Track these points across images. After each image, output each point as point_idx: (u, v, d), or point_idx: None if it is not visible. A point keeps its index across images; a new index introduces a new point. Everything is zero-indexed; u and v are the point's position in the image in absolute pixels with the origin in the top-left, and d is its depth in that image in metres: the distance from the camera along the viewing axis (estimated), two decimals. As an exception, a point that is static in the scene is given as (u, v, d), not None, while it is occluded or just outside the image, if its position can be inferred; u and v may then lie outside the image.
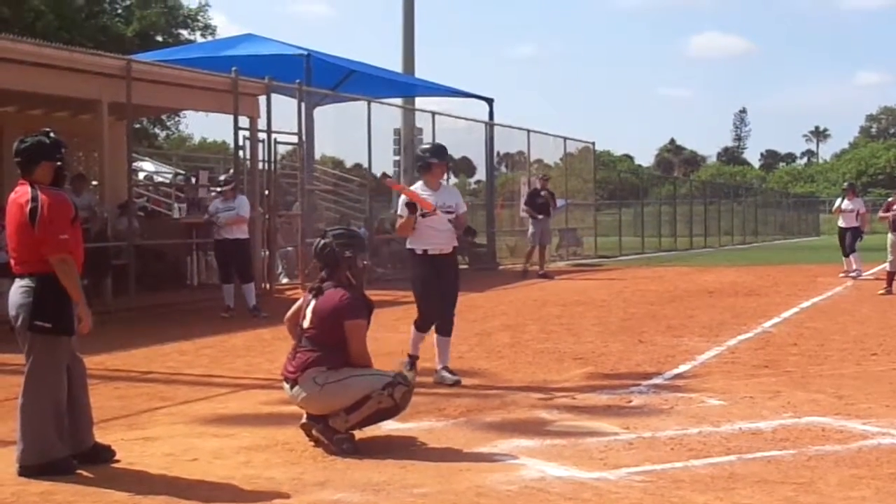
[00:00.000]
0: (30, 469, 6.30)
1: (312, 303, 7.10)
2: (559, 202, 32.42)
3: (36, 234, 6.33)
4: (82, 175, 19.40)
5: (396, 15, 34.06)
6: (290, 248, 22.10)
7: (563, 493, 5.85)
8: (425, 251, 9.44)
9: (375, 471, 6.36)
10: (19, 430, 6.42)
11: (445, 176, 10.01)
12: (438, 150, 9.77)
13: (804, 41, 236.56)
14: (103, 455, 6.61)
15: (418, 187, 9.64)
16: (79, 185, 18.69)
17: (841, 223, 23.71)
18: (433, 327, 9.60)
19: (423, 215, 9.30)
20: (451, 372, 9.50)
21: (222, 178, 17.27)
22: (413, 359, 9.65)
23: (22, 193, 6.49)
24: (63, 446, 6.41)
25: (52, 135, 6.63)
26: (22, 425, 6.39)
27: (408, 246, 9.65)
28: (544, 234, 25.24)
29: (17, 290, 6.44)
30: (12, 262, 6.53)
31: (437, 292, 9.44)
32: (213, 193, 18.94)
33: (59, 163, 6.58)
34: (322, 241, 7.33)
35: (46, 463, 6.32)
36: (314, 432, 6.97)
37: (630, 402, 8.67)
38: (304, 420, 7.05)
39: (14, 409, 8.34)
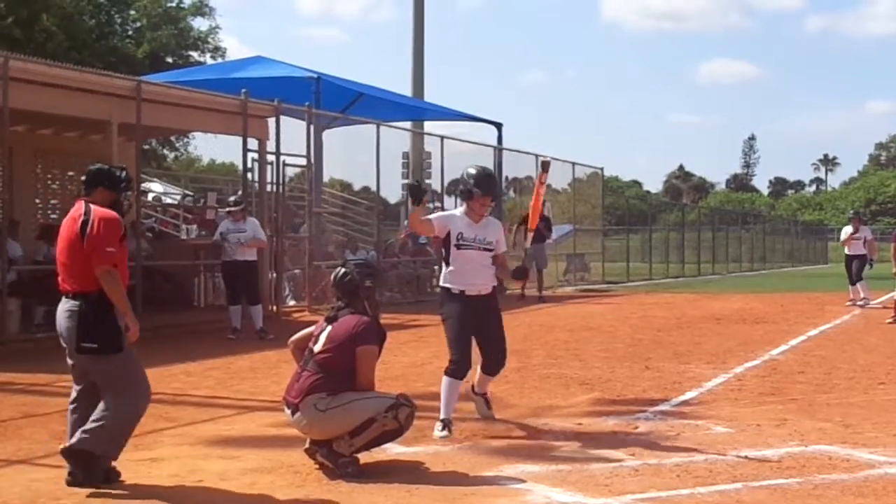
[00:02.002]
0: (91, 464, 6.41)
1: (328, 329, 7.10)
2: (565, 227, 32.38)
3: (85, 247, 6.49)
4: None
5: (407, 39, 34.27)
6: (297, 271, 22.11)
7: (569, 519, 5.83)
8: (462, 291, 8.33)
9: (380, 494, 6.35)
10: (97, 433, 6.44)
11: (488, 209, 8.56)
12: (483, 181, 8.39)
13: (814, 69, 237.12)
14: (109, 476, 6.61)
15: (458, 212, 8.55)
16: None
17: (847, 251, 23.67)
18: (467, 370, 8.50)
19: (458, 244, 8.30)
20: (487, 402, 8.82)
21: (232, 199, 17.30)
22: (446, 423, 8.21)
23: (76, 209, 6.70)
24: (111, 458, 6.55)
25: (124, 171, 6.97)
26: (94, 426, 6.47)
27: (441, 283, 8.56)
28: (539, 259, 25.00)
29: (63, 313, 6.58)
30: (60, 278, 6.66)
31: (471, 335, 8.36)
32: (219, 213, 18.98)
33: (117, 196, 6.82)
34: (343, 270, 7.33)
35: (102, 456, 6.44)
36: (319, 456, 6.96)
37: (636, 428, 8.64)
38: (308, 444, 7.04)
39: (19, 428, 8.37)
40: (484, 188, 8.35)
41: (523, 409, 9.49)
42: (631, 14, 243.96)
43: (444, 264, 8.48)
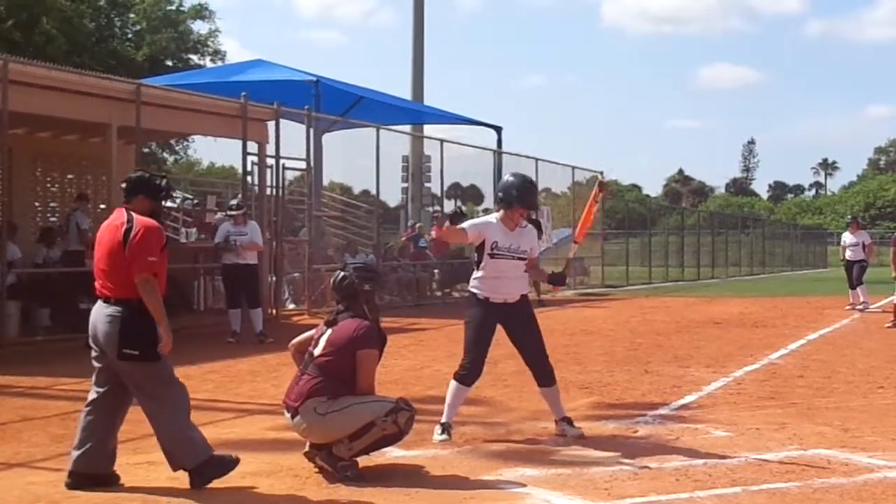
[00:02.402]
0: (197, 473, 6.50)
1: (328, 332, 7.09)
2: (565, 231, 32.38)
3: (126, 255, 6.53)
4: (85, 195, 19.45)
5: (407, 43, 34.29)
6: (296, 274, 22.12)
7: (568, 522, 5.83)
8: (487, 298, 8.17)
9: (380, 498, 6.35)
10: (172, 449, 6.57)
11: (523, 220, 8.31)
12: (525, 193, 8.22)
13: (814, 73, 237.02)
14: (110, 480, 6.62)
15: (493, 218, 8.31)
16: (84, 205, 18.74)
17: (848, 255, 23.70)
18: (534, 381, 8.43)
19: (491, 253, 8.11)
20: (570, 423, 8.38)
21: (233, 202, 17.28)
22: (446, 427, 8.16)
23: (117, 216, 6.76)
24: (207, 445, 6.65)
25: (164, 179, 7.04)
26: (170, 443, 6.58)
27: (469, 287, 8.40)
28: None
29: (103, 319, 6.59)
30: (99, 284, 6.70)
31: (488, 343, 8.21)
32: (218, 215, 18.96)
33: (157, 205, 6.90)
34: (342, 274, 7.31)
35: (206, 462, 6.51)
36: (318, 460, 6.95)
37: (636, 432, 8.64)
38: (307, 447, 7.04)
39: (18, 431, 8.37)
40: (526, 202, 8.21)
41: (523, 412, 9.48)
42: (631, 18, 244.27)
43: (475, 268, 8.31)
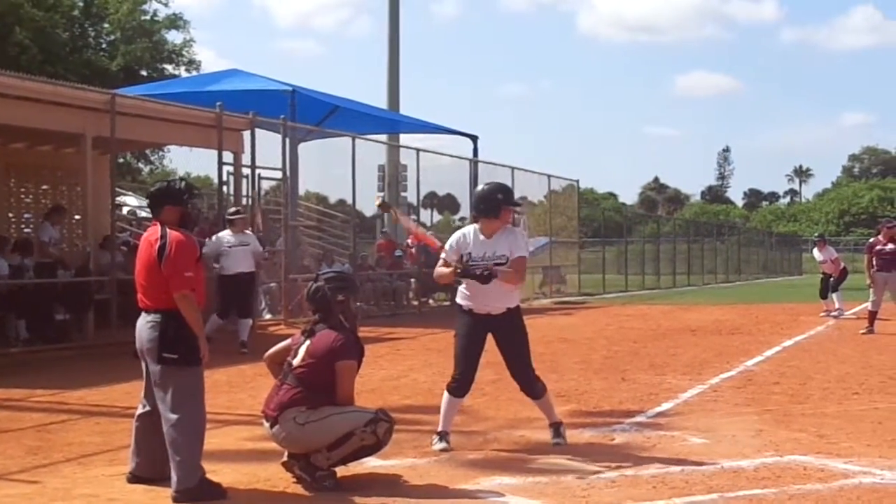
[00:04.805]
0: (184, 493, 6.52)
1: (306, 343, 7.08)
2: (542, 240, 32.40)
3: (163, 271, 6.71)
4: (62, 207, 19.37)
5: (383, 52, 34.34)
6: (273, 284, 22.06)
7: (546, 531, 5.83)
8: (471, 309, 8.15)
9: (357, 508, 6.34)
10: (171, 459, 6.61)
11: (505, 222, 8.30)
12: (480, 201, 8.24)
13: (789, 80, 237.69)
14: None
15: (471, 229, 8.24)
16: (57, 217, 18.65)
17: (823, 269, 24.24)
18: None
19: (469, 273, 8.00)
20: (556, 430, 8.43)
21: (231, 209, 17.09)
22: (442, 435, 8.18)
23: (152, 233, 6.92)
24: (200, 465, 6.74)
25: (183, 181, 7.18)
26: (173, 453, 6.62)
27: (456, 298, 8.40)
28: None
29: (145, 325, 6.82)
30: (139, 296, 6.91)
31: (477, 354, 8.17)
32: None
33: (184, 208, 6.99)
34: (314, 285, 7.30)
35: (198, 486, 6.56)
36: (296, 470, 6.94)
37: (613, 439, 8.67)
38: (285, 457, 7.02)
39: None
40: (481, 210, 8.16)
41: (500, 421, 9.50)
42: (607, 27, 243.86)
43: None
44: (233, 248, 15.51)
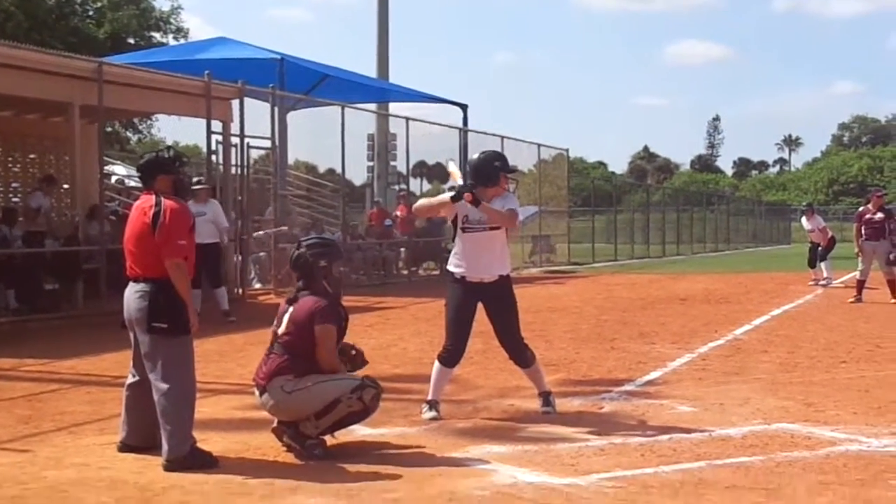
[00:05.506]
0: (175, 462, 6.53)
1: (290, 311, 7.10)
2: (531, 209, 32.40)
3: (156, 239, 6.69)
4: (52, 177, 19.31)
5: (372, 20, 34.15)
6: (262, 254, 22.05)
7: (535, 498, 5.87)
8: (463, 277, 8.13)
9: (347, 476, 6.38)
10: (162, 428, 6.62)
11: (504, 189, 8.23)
12: (473, 171, 8.20)
13: (780, 49, 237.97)
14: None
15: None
16: (49, 187, 18.60)
17: (811, 238, 24.27)
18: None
19: (462, 227, 8.06)
20: (545, 400, 8.42)
21: (194, 179, 17.06)
22: (432, 403, 8.18)
23: (146, 200, 6.88)
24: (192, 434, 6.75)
25: (171, 150, 7.19)
26: (164, 423, 6.63)
27: (447, 266, 8.39)
28: None
29: (133, 295, 6.78)
30: (128, 264, 6.88)
31: (469, 323, 8.18)
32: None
33: (176, 175, 7.01)
34: (296, 252, 7.31)
35: (189, 455, 6.57)
36: (286, 438, 6.96)
37: (601, 408, 8.71)
38: (275, 424, 7.05)
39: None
40: (479, 178, 8.06)
41: (489, 389, 9.53)
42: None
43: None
44: (196, 218, 15.40)
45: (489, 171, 8.16)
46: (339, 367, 7.09)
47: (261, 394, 6.99)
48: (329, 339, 7.02)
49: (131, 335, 6.90)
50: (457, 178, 8.35)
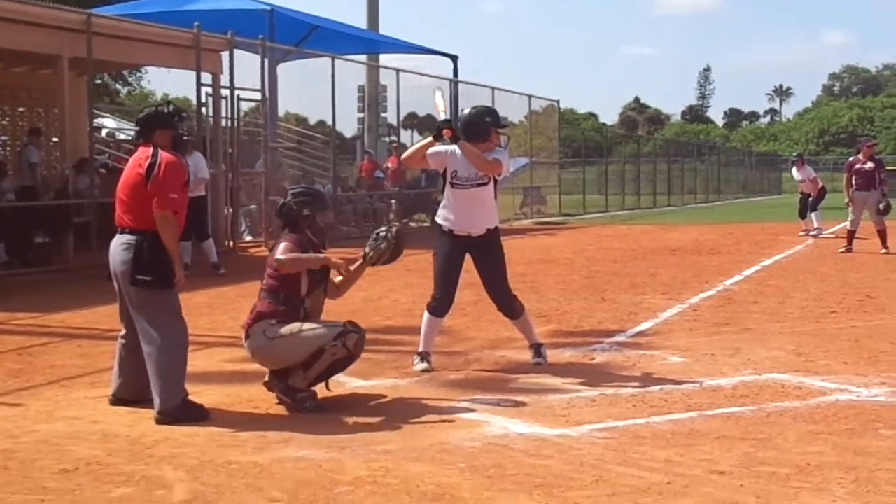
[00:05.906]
0: (166, 415, 6.54)
1: (270, 255, 7.10)
2: (522, 160, 32.33)
3: (148, 189, 6.66)
4: (38, 129, 19.21)
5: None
6: (253, 206, 22.01)
7: (526, 449, 5.89)
8: (451, 230, 8.15)
9: (339, 428, 6.39)
10: (153, 381, 6.63)
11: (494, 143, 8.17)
12: (464, 127, 8.08)
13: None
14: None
15: (458, 152, 7.93)
16: (38, 139, 18.51)
17: (802, 188, 24.30)
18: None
19: (451, 182, 8.04)
20: (536, 351, 8.47)
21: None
22: (424, 355, 8.20)
23: (143, 152, 6.83)
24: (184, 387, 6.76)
25: (170, 105, 7.13)
26: (155, 375, 6.64)
27: (436, 218, 8.43)
28: None
29: (119, 247, 6.77)
30: (117, 214, 6.85)
31: (456, 274, 8.19)
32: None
33: (175, 130, 6.98)
34: (282, 201, 7.29)
35: (180, 407, 6.59)
36: (277, 392, 6.96)
37: (593, 359, 8.73)
38: (267, 377, 7.05)
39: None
40: (470, 134, 7.95)
41: (480, 341, 9.55)
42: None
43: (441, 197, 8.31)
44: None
45: (480, 127, 8.12)
46: (301, 263, 6.92)
47: (245, 338, 6.97)
48: (285, 248, 6.91)
49: (116, 287, 6.87)
50: (441, 111, 8.27)
